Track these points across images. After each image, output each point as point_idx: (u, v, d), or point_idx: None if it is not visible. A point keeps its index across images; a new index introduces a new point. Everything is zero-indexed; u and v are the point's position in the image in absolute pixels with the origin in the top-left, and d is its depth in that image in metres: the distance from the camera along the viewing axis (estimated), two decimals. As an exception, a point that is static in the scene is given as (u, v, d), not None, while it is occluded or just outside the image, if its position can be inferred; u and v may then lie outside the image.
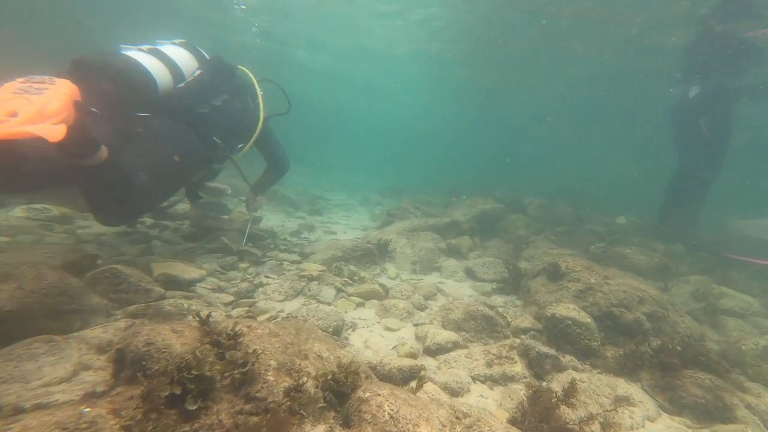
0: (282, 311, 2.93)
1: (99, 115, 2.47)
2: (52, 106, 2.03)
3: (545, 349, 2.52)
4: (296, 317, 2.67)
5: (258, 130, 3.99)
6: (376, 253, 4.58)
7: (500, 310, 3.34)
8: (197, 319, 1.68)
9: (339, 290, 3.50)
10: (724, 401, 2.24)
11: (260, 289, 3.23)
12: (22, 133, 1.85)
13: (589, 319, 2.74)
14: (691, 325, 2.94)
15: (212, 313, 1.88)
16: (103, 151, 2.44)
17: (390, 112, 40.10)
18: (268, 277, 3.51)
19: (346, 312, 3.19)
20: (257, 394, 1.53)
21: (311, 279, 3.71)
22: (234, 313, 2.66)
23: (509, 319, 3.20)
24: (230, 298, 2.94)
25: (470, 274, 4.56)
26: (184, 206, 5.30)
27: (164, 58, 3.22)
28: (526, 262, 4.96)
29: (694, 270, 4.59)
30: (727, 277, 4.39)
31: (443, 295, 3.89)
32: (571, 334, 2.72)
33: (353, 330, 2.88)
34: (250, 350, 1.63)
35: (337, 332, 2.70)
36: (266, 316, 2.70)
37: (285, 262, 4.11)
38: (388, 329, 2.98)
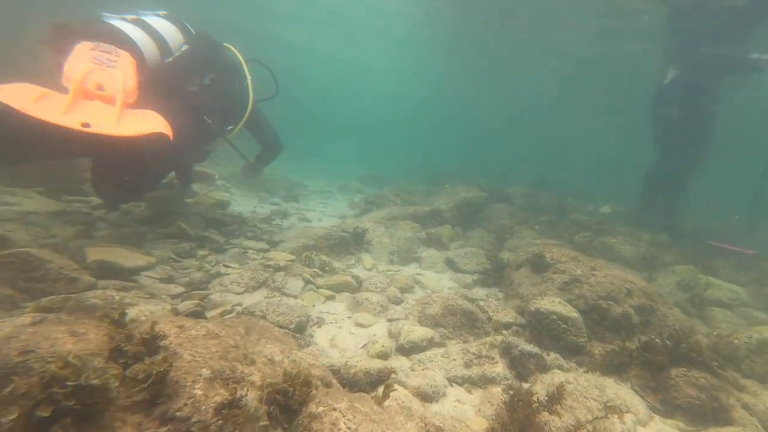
0: (239, 305, 2.60)
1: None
2: (130, 84, 2.18)
3: (528, 348, 2.29)
4: (253, 312, 2.35)
5: (249, 110, 3.82)
6: (351, 243, 4.27)
7: (481, 303, 3.11)
8: (106, 319, 1.34)
9: (307, 282, 3.19)
10: (719, 401, 2.08)
11: (217, 279, 2.88)
12: (143, 134, 2.10)
13: (575, 314, 2.53)
14: (681, 318, 2.79)
15: (150, 310, 1.54)
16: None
17: (374, 98, 39.41)
18: (228, 266, 3.15)
19: (314, 306, 2.89)
20: (178, 414, 1.21)
21: (278, 269, 3.38)
22: (182, 306, 2.31)
23: (491, 313, 2.97)
24: (180, 289, 2.59)
25: (451, 264, 4.31)
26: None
27: (150, 30, 3.01)
28: (510, 252, 4.76)
29: (679, 260, 4.50)
30: (713, 267, 4.31)
31: (421, 288, 3.63)
32: (557, 329, 2.50)
33: (319, 326, 2.58)
34: (174, 356, 1.31)
35: (300, 329, 2.39)
36: (219, 310, 2.36)
37: (250, 251, 3.76)
38: (359, 325, 2.69)
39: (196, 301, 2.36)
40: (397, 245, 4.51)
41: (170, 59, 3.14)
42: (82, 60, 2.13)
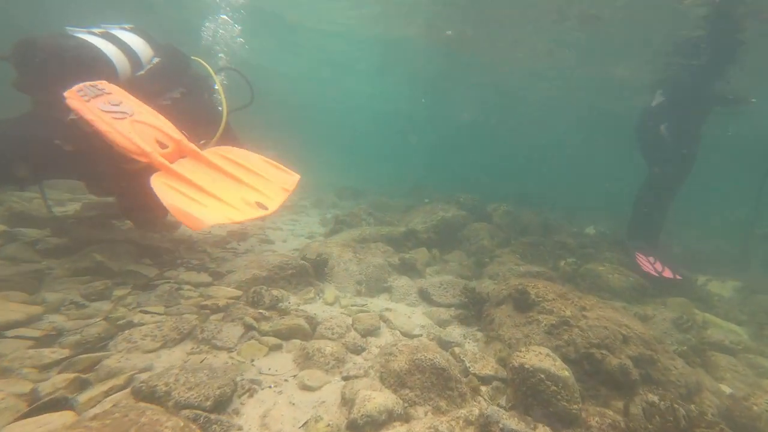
0: (148, 369, 2.02)
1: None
2: (168, 124, 2.26)
3: (513, 425, 1.81)
4: (154, 388, 1.77)
5: (222, 125, 3.72)
6: (311, 272, 3.74)
7: (456, 350, 2.63)
8: None
9: (249, 327, 2.63)
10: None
11: (126, 332, 2.28)
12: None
13: (567, 373, 2.07)
14: (685, 372, 2.38)
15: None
16: None
17: (352, 109, 39.21)
18: (146, 311, 2.56)
19: (252, 362, 2.33)
20: None
21: (215, 311, 2.81)
22: (48, 386, 1.71)
23: (467, 363, 2.49)
24: (63, 353, 1.99)
25: (425, 296, 3.83)
26: (67, 208, 4.19)
27: (120, 44, 2.92)
28: (490, 279, 4.33)
29: (666, 289, 4.18)
30: (706, 298, 4.00)
31: (389, 328, 3.12)
32: (545, 392, 2.04)
33: (251, 395, 2.03)
34: None
35: (220, 406, 1.83)
36: (106, 386, 1.78)
37: (186, 287, 3.16)
38: (305, 388, 2.15)
39: (74, 375, 1.77)
40: (365, 273, 4.00)
41: (142, 72, 3.05)
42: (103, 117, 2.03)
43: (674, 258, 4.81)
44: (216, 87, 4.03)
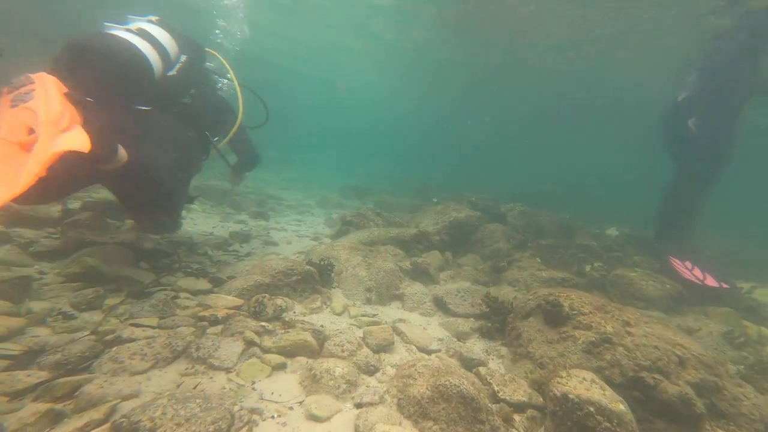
0: (134, 395, 1.75)
1: (97, 107, 2.18)
2: (54, 108, 1.84)
3: (564, 472, 1.52)
4: (136, 424, 1.50)
5: (238, 123, 3.72)
6: (317, 279, 3.46)
7: (482, 371, 2.34)
8: None
9: (250, 343, 2.35)
10: None
11: (113, 350, 2.01)
12: (54, 155, 1.69)
13: (622, 406, 1.78)
14: (758, 402, 2.07)
15: None
16: (121, 151, 2.31)
17: (358, 106, 38.93)
18: (137, 325, 2.29)
19: (253, 384, 2.06)
20: None
21: (213, 323, 2.55)
22: (28, 413, 1.46)
23: (495, 387, 2.20)
24: (42, 375, 1.72)
25: (440, 305, 3.55)
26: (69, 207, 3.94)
27: (154, 42, 2.85)
28: (510, 286, 4.03)
29: (702, 298, 3.85)
30: (754, 308, 3.64)
31: (404, 342, 2.84)
32: (596, 429, 1.74)
33: (251, 430, 1.75)
34: None
35: (214, 444, 1.56)
36: (83, 420, 1.51)
37: (184, 294, 2.90)
38: (313, 418, 1.88)
39: (48, 406, 1.51)
40: (375, 279, 3.72)
41: (173, 72, 3.02)
42: (3, 110, 1.77)
43: (710, 262, 4.44)
44: (226, 81, 4.03)
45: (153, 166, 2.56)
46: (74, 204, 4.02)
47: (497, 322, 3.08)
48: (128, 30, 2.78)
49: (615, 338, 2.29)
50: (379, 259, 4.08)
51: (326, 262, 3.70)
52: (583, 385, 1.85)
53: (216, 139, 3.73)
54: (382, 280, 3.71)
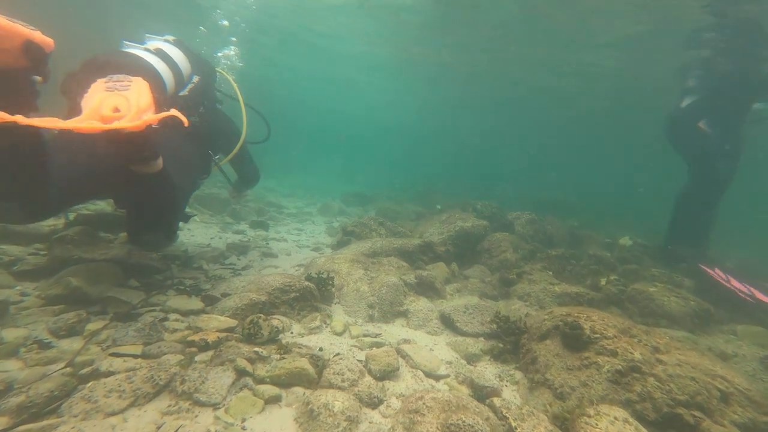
0: (107, 441, 1.56)
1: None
2: (144, 99, 2.03)
3: None
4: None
5: (241, 142, 3.80)
6: (316, 295, 3.27)
7: (496, 402, 2.12)
8: None
9: (242, 373, 2.15)
10: None
11: (88, 385, 1.82)
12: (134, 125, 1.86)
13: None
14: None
15: None
16: (160, 159, 2.39)
17: (360, 111, 38.93)
18: (117, 355, 2.10)
19: (243, 422, 1.86)
20: None
21: (203, 348, 2.35)
22: None
23: (512, 422, 1.98)
24: (2, 421, 1.53)
25: (448, 323, 3.33)
26: (58, 221, 3.78)
27: (170, 62, 2.94)
28: (521, 301, 3.81)
29: (734, 315, 3.59)
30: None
31: (409, 367, 2.62)
32: (631, 479, 1.52)
33: (239, 479, 1.54)
34: None
35: (194, 504, 1.36)
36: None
37: (173, 315, 2.72)
38: (310, 464, 1.67)
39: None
40: (378, 295, 3.51)
41: (185, 92, 3.09)
42: (97, 92, 2.00)
43: (739, 273, 4.20)
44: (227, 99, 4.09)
45: (174, 180, 2.65)
46: (54, 221, 3.85)
47: (509, 343, 2.87)
48: (146, 49, 2.86)
49: (644, 367, 2.07)
50: (382, 273, 3.88)
51: (326, 277, 3.50)
52: (615, 426, 1.63)
53: (218, 156, 3.78)
54: (386, 295, 3.51)
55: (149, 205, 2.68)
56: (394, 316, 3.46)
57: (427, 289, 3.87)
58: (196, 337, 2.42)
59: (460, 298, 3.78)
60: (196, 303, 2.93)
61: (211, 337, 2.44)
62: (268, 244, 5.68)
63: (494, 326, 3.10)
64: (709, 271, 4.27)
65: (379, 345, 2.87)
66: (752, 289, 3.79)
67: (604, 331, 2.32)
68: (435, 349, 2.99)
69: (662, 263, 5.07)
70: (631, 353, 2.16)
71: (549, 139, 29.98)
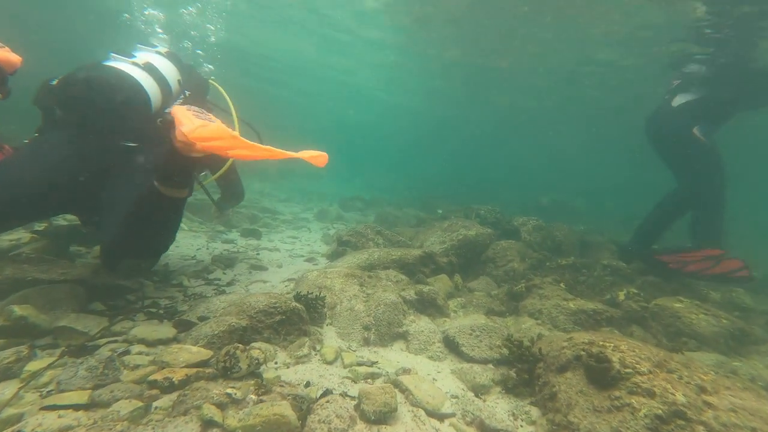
0: None
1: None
2: (226, 132, 2.02)
3: None
4: None
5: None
6: (305, 317, 2.92)
7: (514, 455, 1.77)
8: None
9: (208, 424, 1.80)
10: None
11: (11, 450, 1.48)
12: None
13: None
14: None
15: None
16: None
17: (360, 113, 38.67)
18: (53, 408, 1.74)
19: (204, 490, 1.50)
20: None
21: (166, 390, 2.00)
22: None
23: (533, 482, 1.63)
24: None
25: (452, 346, 2.98)
26: (16, 236, 3.44)
27: (158, 77, 2.87)
28: (532, 319, 3.46)
29: (765, 330, 3.25)
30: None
31: (409, 404, 2.27)
32: None
33: None
34: None
35: None
36: None
37: (138, 347, 2.37)
38: None
39: None
40: (374, 315, 3.16)
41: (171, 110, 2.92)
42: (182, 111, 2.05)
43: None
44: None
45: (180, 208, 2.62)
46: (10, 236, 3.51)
47: (524, 371, 2.51)
48: (134, 63, 2.76)
49: (690, 412, 1.72)
50: (379, 289, 3.53)
51: (316, 296, 3.15)
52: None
53: (203, 173, 3.65)
54: (383, 315, 3.16)
55: (151, 230, 2.52)
56: (393, 339, 3.11)
57: (428, 306, 3.52)
58: (159, 376, 2.07)
59: (465, 317, 3.43)
60: (167, 330, 2.58)
61: (178, 375, 2.09)
62: (258, 254, 5.34)
63: (505, 351, 2.75)
64: (664, 257, 4.16)
65: (375, 376, 2.53)
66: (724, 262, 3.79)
67: (637, 365, 1.98)
68: (438, 378, 2.64)
69: (621, 258, 4.92)
70: (672, 394, 1.81)
71: (555, 139, 29.60)
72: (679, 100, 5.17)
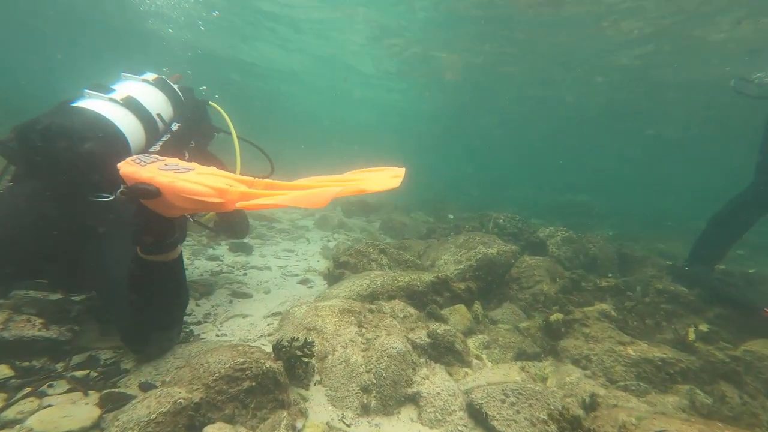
0: None
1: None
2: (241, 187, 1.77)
3: None
4: None
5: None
6: (283, 382, 2.20)
7: None
8: None
9: None
10: None
11: None
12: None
13: None
14: None
15: None
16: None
17: (363, 110, 38.00)
18: None
19: None
20: None
21: None
22: None
23: None
24: None
25: (479, 418, 2.24)
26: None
27: (141, 113, 2.52)
28: (578, 369, 2.71)
29: None
30: None
31: None
32: None
33: None
34: None
35: None
36: None
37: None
38: None
39: None
40: (376, 370, 2.44)
41: (157, 147, 2.67)
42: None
43: None
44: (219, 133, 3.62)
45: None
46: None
47: (585, 471, 1.77)
48: (112, 99, 2.45)
49: None
50: (383, 331, 2.80)
51: (303, 343, 2.44)
52: None
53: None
54: (387, 371, 2.43)
55: (158, 299, 2.19)
56: (399, 404, 2.38)
57: (444, 352, 2.78)
58: None
59: (491, 369, 2.69)
60: (85, 413, 1.88)
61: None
62: (246, 274, 4.66)
63: (552, 429, 2.01)
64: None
65: (374, 476, 1.81)
66: None
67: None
68: (463, 473, 1.91)
69: (680, 283, 4.03)
70: None
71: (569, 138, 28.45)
72: None
